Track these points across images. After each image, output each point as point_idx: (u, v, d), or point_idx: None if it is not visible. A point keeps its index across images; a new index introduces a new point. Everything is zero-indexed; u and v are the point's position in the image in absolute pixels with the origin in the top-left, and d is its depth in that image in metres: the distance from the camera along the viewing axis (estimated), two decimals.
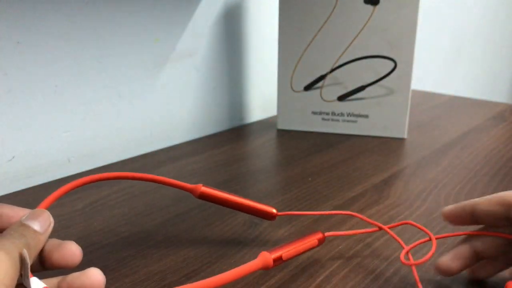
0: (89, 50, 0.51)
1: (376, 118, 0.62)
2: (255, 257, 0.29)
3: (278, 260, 0.30)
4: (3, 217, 0.27)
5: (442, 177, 0.50)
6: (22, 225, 0.25)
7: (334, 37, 0.60)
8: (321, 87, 0.63)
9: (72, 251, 0.26)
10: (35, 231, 0.25)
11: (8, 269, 0.21)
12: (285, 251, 0.30)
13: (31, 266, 0.24)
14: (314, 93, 0.63)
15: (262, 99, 0.74)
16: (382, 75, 0.60)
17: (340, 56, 0.61)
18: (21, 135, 0.48)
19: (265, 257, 0.29)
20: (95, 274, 0.25)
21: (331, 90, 0.63)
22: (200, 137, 0.65)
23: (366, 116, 0.63)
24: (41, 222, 0.25)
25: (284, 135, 0.64)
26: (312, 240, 0.32)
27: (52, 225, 0.26)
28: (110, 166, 0.53)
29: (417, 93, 0.83)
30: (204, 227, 0.40)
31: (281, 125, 0.65)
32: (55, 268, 0.26)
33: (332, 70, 0.62)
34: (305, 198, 0.45)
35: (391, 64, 0.60)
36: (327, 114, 0.64)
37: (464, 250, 0.31)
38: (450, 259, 0.31)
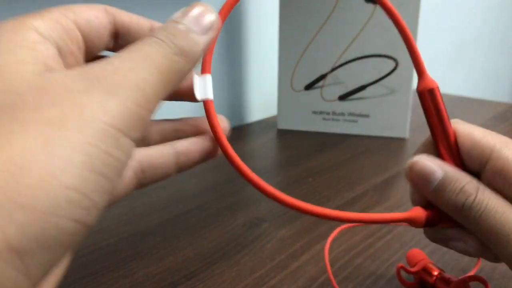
0: None
1: (377, 118, 0.62)
2: (255, 257, 0.29)
3: (433, 220, 0.23)
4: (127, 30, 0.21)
5: None
6: (173, 23, 0.18)
7: (334, 36, 0.60)
8: (321, 87, 0.62)
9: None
10: (193, 34, 0.18)
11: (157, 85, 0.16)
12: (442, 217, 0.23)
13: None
14: (314, 92, 0.63)
15: (262, 99, 0.74)
16: (383, 74, 0.60)
17: (341, 55, 0.61)
18: None
19: (418, 211, 0.23)
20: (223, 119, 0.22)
21: (331, 89, 0.62)
22: None
23: (367, 116, 0.62)
24: (200, 23, 0.19)
25: (284, 135, 0.63)
26: None
27: (217, 27, 0.20)
28: None
29: None
30: (204, 227, 0.39)
31: (281, 125, 0.65)
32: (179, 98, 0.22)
33: (333, 70, 0.61)
34: (305, 198, 0.45)
35: (392, 64, 0.59)
36: (328, 113, 0.63)
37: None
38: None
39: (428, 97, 0.25)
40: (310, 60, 0.61)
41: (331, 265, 0.34)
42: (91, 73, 0.16)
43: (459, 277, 0.28)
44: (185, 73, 0.18)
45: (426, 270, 0.30)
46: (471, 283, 0.28)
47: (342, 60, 0.61)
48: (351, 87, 0.62)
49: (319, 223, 0.40)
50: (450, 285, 0.28)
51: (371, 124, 0.63)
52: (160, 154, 0.22)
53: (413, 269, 0.30)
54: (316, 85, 0.62)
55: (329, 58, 0.61)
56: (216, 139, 0.22)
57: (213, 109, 0.23)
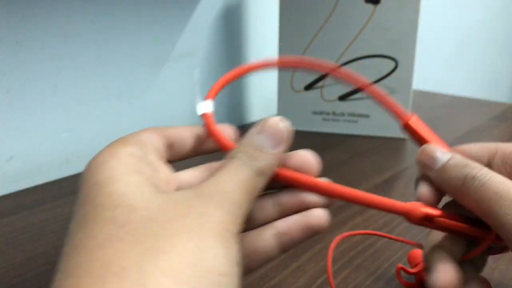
0: (88, 49, 0.51)
1: (377, 118, 0.62)
2: None
3: (428, 219, 0.23)
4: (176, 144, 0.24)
5: None
6: (245, 145, 0.21)
7: (334, 36, 0.60)
8: (321, 87, 0.62)
9: (306, 158, 0.23)
10: (267, 151, 0.21)
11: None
12: (443, 216, 0.24)
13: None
14: (314, 92, 0.63)
15: (262, 99, 0.74)
16: (383, 74, 0.60)
17: (340, 56, 0.60)
18: (19, 135, 0.47)
19: (415, 206, 0.23)
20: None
21: (331, 89, 0.62)
22: None
23: (367, 116, 0.62)
24: (270, 138, 0.21)
25: None
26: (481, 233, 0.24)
27: (289, 136, 0.22)
28: None
29: (418, 93, 0.83)
30: None
31: None
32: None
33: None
34: None
35: (392, 64, 0.59)
36: (328, 114, 0.63)
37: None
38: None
39: (410, 130, 0.28)
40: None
41: (332, 266, 0.34)
42: (202, 191, 0.19)
43: None
44: (264, 185, 0.21)
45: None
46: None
47: (342, 60, 0.61)
48: (351, 87, 0.62)
49: None
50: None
51: (371, 124, 0.63)
52: (259, 238, 0.23)
53: (414, 270, 0.30)
54: (316, 85, 0.62)
55: (329, 58, 0.61)
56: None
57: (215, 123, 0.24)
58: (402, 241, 0.34)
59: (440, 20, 1.20)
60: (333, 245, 0.31)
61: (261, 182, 0.21)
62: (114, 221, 0.17)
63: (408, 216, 0.23)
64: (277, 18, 0.62)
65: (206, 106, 0.25)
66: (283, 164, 0.22)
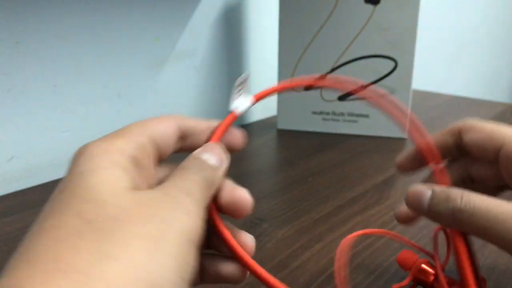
0: (89, 49, 0.51)
1: (376, 118, 0.62)
2: (255, 257, 0.29)
3: None
4: (191, 135, 0.25)
5: None
6: (196, 158, 0.22)
7: (334, 36, 0.60)
8: (321, 87, 0.62)
9: (243, 197, 0.23)
10: (211, 166, 0.22)
11: (196, 222, 0.19)
12: None
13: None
14: (314, 93, 0.63)
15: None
16: (383, 74, 0.60)
17: (340, 56, 0.61)
18: (20, 135, 0.48)
19: None
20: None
21: (331, 89, 0.62)
22: None
23: (367, 116, 0.63)
24: (216, 156, 0.23)
25: (284, 135, 0.63)
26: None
27: (227, 161, 0.23)
28: None
29: (418, 93, 0.83)
30: None
31: (281, 125, 0.65)
32: (222, 212, 0.24)
33: (333, 70, 0.61)
34: (305, 198, 0.45)
35: (392, 64, 0.59)
36: (328, 114, 0.64)
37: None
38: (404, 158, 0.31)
39: None
40: (310, 61, 0.62)
41: (331, 265, 0.34)
42: (168, 191, 0.20)
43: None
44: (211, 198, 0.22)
45: (422, 271, 0.30)
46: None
47: (342, 61, 0.61)
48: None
49: (318, 223, 0.40)
50: (452, 285, 0.28)
51: (371, 124, 0.63)
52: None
53: (407, 280, 0.30)
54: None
55: (329, 58, 0.61)
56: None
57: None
58: (417, 247, 0.32)
59: (440, 20, 1.20)
60: (344, 244, 0.30)
61: (212, 190, 0.22)
62: (83, 215, 0.17)
63: None
64: (277, 18, 0.62)
65: (243, 103, 0.26)
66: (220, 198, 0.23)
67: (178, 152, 0.25)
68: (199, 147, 0.23)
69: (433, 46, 1.20)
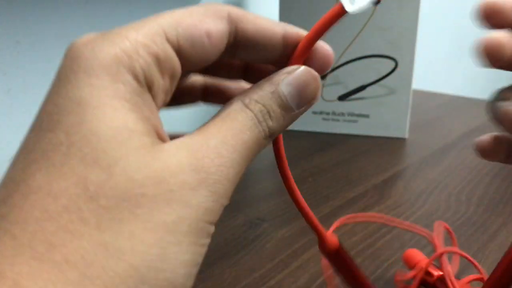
0: None
1: (376, 118, 0.62)
2: (255, 257, 0.29)
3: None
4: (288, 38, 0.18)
5: (443, 177, 0.49)
6: (274, 93, 0.16)
7: (334, 36, 0.60)
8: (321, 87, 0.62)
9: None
10: (289, 113, 0.16)
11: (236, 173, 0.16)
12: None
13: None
14: None
15: None
16: (383, 74, 0.60)
17: (340, 56, 0.61)
18: (20, 135, 0.47)
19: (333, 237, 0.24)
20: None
21: (331, 89, 0.62)
22: None
23: (367, 116, 0.63)
24: (303, 95, 0.16)
25: (284, 135, 0.63)
26: None
27: (318, 98, 0.17)
28: None
29: (418, 93, 0.83)
30: None
31: None
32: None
33: (333, 70, 0.61)
34: (305, 198, 0.45)
35: (392, 64, 0.59)
36: (328, 114, 0.64)
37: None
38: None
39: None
40: None
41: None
42: (200, 167, 0.15)
43: (461, 279, 0.28)
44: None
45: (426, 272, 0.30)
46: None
47: (342, 60, 0.61)
48: (351, 87, 0.62)
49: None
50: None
51: (371, 124, 0.63)
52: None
53: (411, 274, 0.30)
54: None
55: None
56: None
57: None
58: (412, 230, 0.33)
59: (440, 20, 1.20)
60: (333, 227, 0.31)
61: (265, 145, 0.17)
62: (85, 185, 0.14)
63: (321, 240, 0.23)
64: (277, 18, 0.62)
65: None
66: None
67: (225, 70, 0.18)
68: (265, 68, 0.17)
69: (434, 45, 1.20)
